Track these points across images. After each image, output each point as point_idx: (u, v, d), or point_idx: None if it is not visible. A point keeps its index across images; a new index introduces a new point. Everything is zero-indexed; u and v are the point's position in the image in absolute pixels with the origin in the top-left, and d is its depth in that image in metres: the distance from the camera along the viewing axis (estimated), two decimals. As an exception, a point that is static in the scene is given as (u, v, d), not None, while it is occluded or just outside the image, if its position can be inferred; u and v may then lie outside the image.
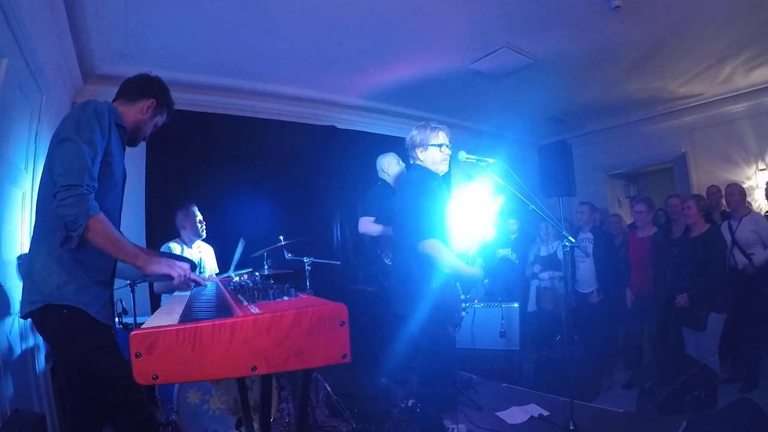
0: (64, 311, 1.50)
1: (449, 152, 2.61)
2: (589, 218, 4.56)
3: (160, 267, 1.55)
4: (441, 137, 2.59)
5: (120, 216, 1.78)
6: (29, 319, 1.59)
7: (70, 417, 1.79)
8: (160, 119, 1.88)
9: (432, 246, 2.38)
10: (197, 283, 1.74)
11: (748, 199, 4.81)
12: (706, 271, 3.40)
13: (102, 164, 1.55)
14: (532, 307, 4.58)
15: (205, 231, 3.39)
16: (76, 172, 1.43)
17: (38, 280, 1.52)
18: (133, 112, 1.77)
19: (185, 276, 1.59)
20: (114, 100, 1.78)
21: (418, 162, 2.63)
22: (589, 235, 4.46)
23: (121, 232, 1.59)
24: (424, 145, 2.57)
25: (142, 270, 1.54)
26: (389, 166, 3.53)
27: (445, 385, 2.72)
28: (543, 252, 4.59)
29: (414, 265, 2.45)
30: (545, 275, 4.46)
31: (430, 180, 2.57)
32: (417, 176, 2.60)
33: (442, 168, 2.63)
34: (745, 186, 4.82)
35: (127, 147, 1.81)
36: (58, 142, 1.51)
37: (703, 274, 3.40)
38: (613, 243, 4.52)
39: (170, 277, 1.56)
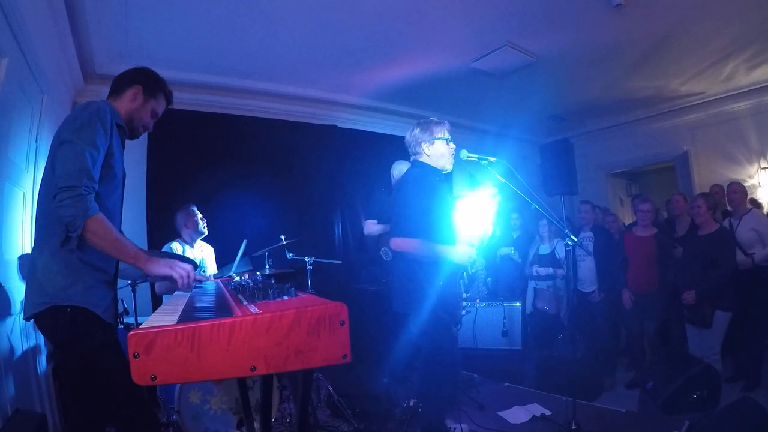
0: (69, 310, 1.49)
1: (454, 147, 2.54)
2: (590, 217, 4.54)
3: (161, 268, 1.53)
4: (446, 132, 2.55)
5: (121, 216, 1.77)
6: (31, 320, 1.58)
7: (72, 417, 1.78)
8: (156, 105, 1.82)
9: (401, 244, 2.34)
10: (199, 282, 1.73)
11: (752, 197, 4.80)
12: (716, 269, 3.38)
13: (104, 166, 1.54)
14: (529, 308, 4.47)
15: (206, 227, 3.38)
16: (75, 174, 1.42)
17: (42, 280, 1.51)
18: (124, 104, 1.74)
19: (188, 278, 1.57)
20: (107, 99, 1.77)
21: (422, 158, 2.55)
22: (590, 234, 4.44)
23: (122, 233, 1.59)
24: (431, 140, 2.51)
25: (143, 271, 1.53)
26: (399, 173, 3.52)
27: (447, 384, 2.69)
28: (542, 251, 4.57)
29: (415, 263, 2.40)
30: (542, 271, 4.42)
31: (432, 177, 2.50)
32: (417, 173, 2.53)
33: (447, 164, 2.56)
34: (747, 185, 4.81)
35: (127, 144, 1.80)
36: (59, 144, 1.50)
37: (712, 272, 3.38)
38: (613, 241, 4.50)
39: (171, 279, 1.55)
